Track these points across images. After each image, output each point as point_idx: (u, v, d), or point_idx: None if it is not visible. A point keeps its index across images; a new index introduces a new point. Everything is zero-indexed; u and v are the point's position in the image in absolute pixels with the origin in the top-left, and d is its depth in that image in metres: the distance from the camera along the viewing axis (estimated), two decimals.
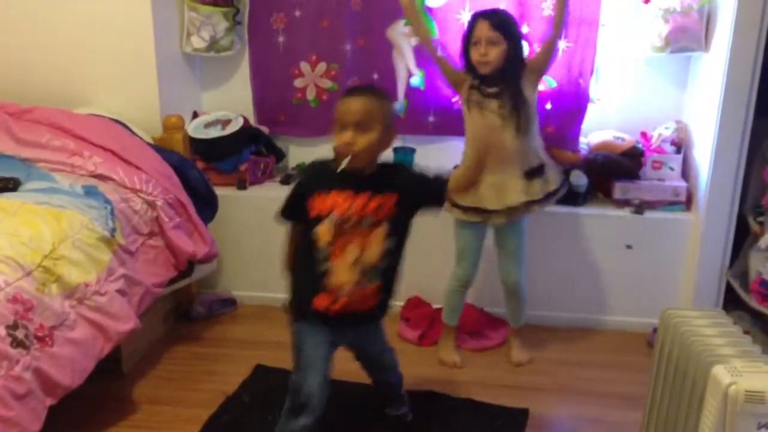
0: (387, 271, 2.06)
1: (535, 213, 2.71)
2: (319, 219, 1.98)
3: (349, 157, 1.95)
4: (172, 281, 2.81)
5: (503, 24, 2.59)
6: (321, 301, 2.02)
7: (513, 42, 2.59)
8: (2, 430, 1.82)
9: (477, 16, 2.62)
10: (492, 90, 2.61)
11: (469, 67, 2.65)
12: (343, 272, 1.99)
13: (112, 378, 2.66)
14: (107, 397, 2.59)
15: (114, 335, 2.34)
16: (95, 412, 2.50)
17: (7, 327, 1.93)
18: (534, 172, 2.68)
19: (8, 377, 1.87)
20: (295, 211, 2.09)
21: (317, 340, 2.05)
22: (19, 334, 1.95)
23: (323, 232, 1.97)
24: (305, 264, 2.04)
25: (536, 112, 2.71)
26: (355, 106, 1.96)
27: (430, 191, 2.12)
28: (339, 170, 1.96)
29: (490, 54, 2.55)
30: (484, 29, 2.56)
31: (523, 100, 2.62)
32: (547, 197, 2.71)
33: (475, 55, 2.59)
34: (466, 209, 2.69)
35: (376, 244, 1.99)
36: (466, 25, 2.69)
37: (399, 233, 2.05)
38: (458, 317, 2.88)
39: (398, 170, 2.11)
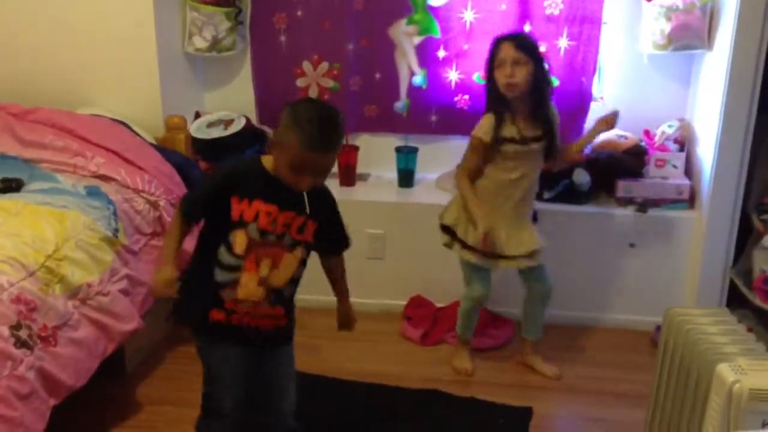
0: (289, 299, 1.95)
1: (535, 263, 2.66)
2: (239, 224, 1.81)
3: (310, 182, 1.81)
4: None
5: (527, 45, 2.50)
6: (217, 315, 1.88)
7: (538, 63, 2.49)
8: (6, 430, 1.82)
9: (499, 40, 2.51)
10: (536, 134, 2.55)
11: (492, 93, 2.53)
12: (250, 287, 1.84)
13: (115, 378, 2.66)
14: (111, 397, 2.59)
15: (117, 335, 2.35)
16: (99, 412, 2.50)
17: (11, 327, 1.93)
18: (534, 216, 2.74)
19: (12, 377, 1.87)
20: (209, 206, 1.86)
21: (225, 353, 1.91)
22: (23, 334, 1.95)
23: (240, 240, 1.82)
24: (205, 268, 1.86)
25: None
26: (325, 159, 1.81)
27: (341, 237, 2.00)
28: (280, 173, 1.81)
29: (517, 75, 2.45)
30: (508, 50, 2.45)
31: (558, 134, 2.60)
32: None
33: (501, 77, 2.47)
34: (479, 253, 2.61)
35: (289, 267, 1.88)
36: (486, 49, 2.57)
37: (305, 264, 1.93)
38: (473, 331, 2.85)
39: (326, 198, 1.96)
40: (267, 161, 1.87)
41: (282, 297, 1.92)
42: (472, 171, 2.61)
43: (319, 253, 2.02)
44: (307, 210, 1.86)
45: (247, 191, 1.81)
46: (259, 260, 1.84)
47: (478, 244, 2.57)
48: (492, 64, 2.51)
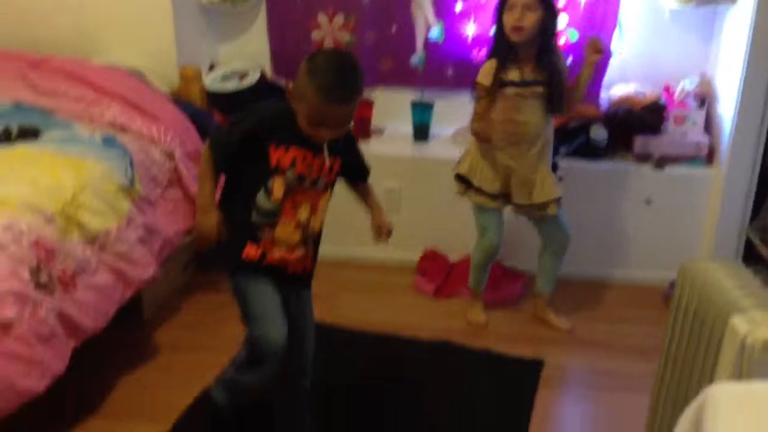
0: (316, 240, 1.97)
1: (554, 211, 2.65)
2: (276, 171, 1.81)
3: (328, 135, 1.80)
4: (191, 230, 2.83)
5: None
6: (252, 250, 1.87)
7: (549, 12, 2.45)
8: (27, 371, 1.86)
9: None
10: (537, 78, 2.51)
11: (499, 38, 2.51)
12: (287, 231, 1.86)
13: (133, 325, 2.71)
14: (129, 343, 2.64)
15: (135, 282, 2.38)
16: (118, 356, 2.55)
17: (31, 271, 1.96)
18: (554, 167, 2.69)
19: (33, 319, 1.91)
20: (243, 154, 1.83)
21: (265, 288, 1.88)
22: (43, 277, 1.98)
23: (278, 186, 1.82)
24: (242, 208, 1.85)
25: None
26: (345, 113, 1.79)
27: (364, 167, 2.02)
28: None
29: (525, 20, 2.41)
30: None
31: (564, 79, 2.55)
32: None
33: (509, 20, 2.44)
34: (492, 196, 2.63)
35: (323, 210, 1.91)
36: None
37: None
38: (485, 284, 2.87)
39: (349, 135, 1.95)
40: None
41: (316, 240, 1.95)
42: (481, 117, 2.58)
43: (348, 183, 2.03)
44: (333, 150, 1.86)
45: (284, 138, 1.81)
46: (297, 205, 1.85)
47: (494, 191, 2.58)
48: (502, 7, 2.48)
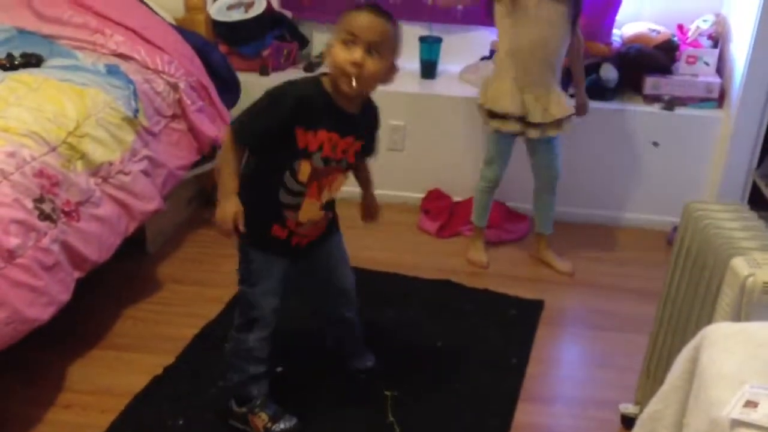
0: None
1: (568, 129, 2.66)
2: (303, 154, 1.79)
3: (354, 81, 1.73)
4: (195, 165, 2.83)
5: None
6: (280, 232, 1.89)
7: None
8: (32, 299, 1.89)
9: None
10: None
11: None
12: (312, 211, 1.89)
13: (137, 258, 2.73)
14: (133, 275, 2.67)
15: (138, 214, 2.38)
16: (122, 288, 2.58)
17: (35, 200, 1.96)
18: (565, 84, 2.65)
19: (36, 248, 1.92)
20: (269, 136, 1.79)
21: (274, 265, 1.92)
22: (46, 207, 1.99)
23: (305, 169, 1.81)
24: (269, 189, 1.84)
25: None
26: (374, 23, 1.73)
27: (373, 148, 1.99)
28: (337, 93, 1.78)
29: None
30: None
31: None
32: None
33: None
34: (507, 118, 2.60)
35: (340, 185, 1.92)
36: None
37: None
38: (487, 218, 2.87)
39: (376, 116, 1.94)
40: (326, 82, 1.80)
41: (333, 202, 1.97)
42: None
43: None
44: (360, 132, 1.86)
45: (312, 121, 1.77)
46: (322, 188, 1.86)
47: (513, 110, 2.57)
48: None
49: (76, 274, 2.10)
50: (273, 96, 1.77)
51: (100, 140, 2.28)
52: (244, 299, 1.94)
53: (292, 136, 1.77)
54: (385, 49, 1.75)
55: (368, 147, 1.96)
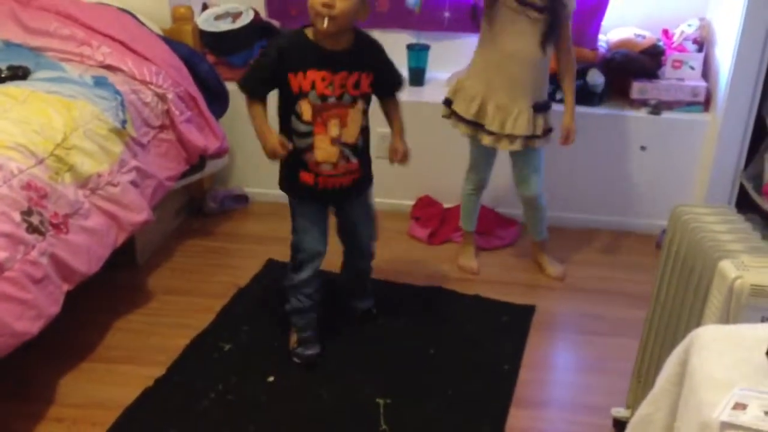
0: (363, 149, 2.19)
1: (534, 147, 2.61)
2: (300, 95, 2.04)
3: (326, 20, 1.95)
4: (184, 175, 2.82)
5: None
6: (307, 177, 2.14)
7: None
8: (21, 312, 1.87)
9: None
10: (537, 3, 2.43)
11: None
12: (325, 148, 2.09)
13: (127, 269, 2.72)
14: (123, 286, 2.66)
15: (127, 225, 2.38)
16: (112, 300, 2.57)
17: (22, 213, 1.95)
18: (540, 108, 2.58)
19: (25, 261, 1.91)
20: (270, 82, 2.08)
21: (310, 209, 2.20)
22: (34, 220, 1.98)
23: (306, 108, 2.05)
24: (287, 138, 2.09)
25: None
26: None
27: (393, 81, 2.21)
28: (319, 36, 2.01)
29: None
30: None
31: (566, 15, 2.50)
32: (545, 134, 2.62)
33: None
34: (467, 122, 2.60)
35: (354, 122, 2.10)
36: None
37: (368, 112, 2.17)
38: (475, 222, 2.87)
39: (374, 48, 2.14)
40: (309, 32, 2.05)
41: (356, 149, 2.15)
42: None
43: (380, 100, 2.24)
44: (356, 67, 2.05)
45: (299, 64, 2.02)
46: (327, 122, 2.07)
47: (469, 115, 2.58)
48: None
49: (65, 287, 2.09)
50: (263, 50, 2.12)
51: (88, 152, 2.27)
52: (293, 244, 2.24)
53: (286, 83, 2.04)
54: None
55: (383, 79, 2.15)
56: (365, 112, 2.14)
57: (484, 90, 2.55)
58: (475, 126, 2.60)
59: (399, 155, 2.25)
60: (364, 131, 2.17)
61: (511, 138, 2.57)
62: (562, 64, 2.60)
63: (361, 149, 2.18)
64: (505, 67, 2.52)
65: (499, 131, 2.56)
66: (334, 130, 2.08)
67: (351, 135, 2.12)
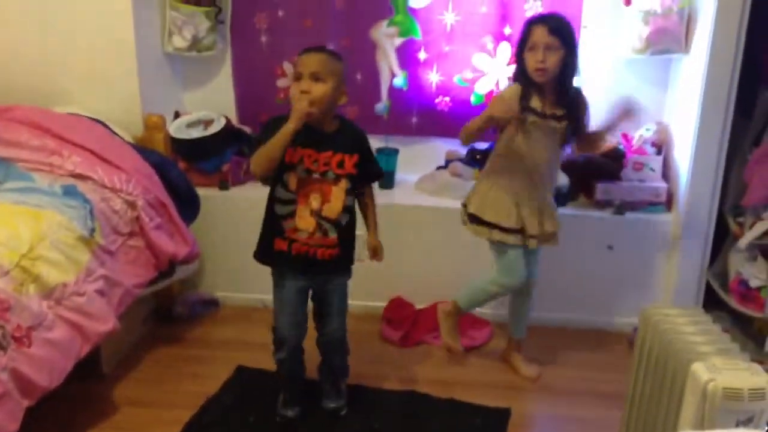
0: (345, 228, 2.27)
1: (557, 241, 2.71)
2: (289, 167, 2.20)
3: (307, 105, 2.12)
4: (153, 282, 2.79)
5: (561, 29, 2.45)
6: (281, 244, 2.25)
7: (570, 49, 2.46)
8: None
9: (533, 21, 2.48)
10: (556, 113, 2.52)
11: (522, 75, 2.51)
12: (304, 217, 2.22)
13: (92, 380, 2.64)
14: (87, 398, 2.56)
15: (93, 336, 2.32)
16: (75, 413, 2.47)
17: None
18: (556, 199, 2.74)
19: None
20: None
21: (288, 284, 2.29)
22: None
23: (292, 179, 2.21)
24: (269, 207, 2.26)
25: None
26: (312, 57, 2.17)
27: (373, 169, 2.37)
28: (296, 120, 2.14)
29: (548, 60, 2.41)
30: (541, 34, 2.42)
31: (588, 116, 2.60)
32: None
33: (531, 62, 2.44)
34: (509, 231, 2.60)
35: (337, 198, 2.23)
36: (520, 31, 2.54)
37: (354, 194, 2.29)
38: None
39: (358, 135, 2.31)
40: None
41: (338, 226, 2.25)
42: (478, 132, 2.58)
43: (357, 192, 2.34)
44: (340, 148, 2.22)
45: (294, 139, 2.14)
46: (308, 195, 2.22)
47: (511, 224, 2.58)
48: (523, 45, 2.48)
49: (26, 403, 2.01)
50: (263, 126, 2.24)
51: (54, 262, 2.24)
52: (273, 326, 2.35)
53: (282, 156, 2.18)
54: (326, 74, 2.16)
55: (363, 166, 2.28)
56: (350, 192, 2.26)
57: (515, 198, 2.59)
58: (516, 233, 2.61)
59: (378, 253, 2.40)
60: (348, 210, 2.27)
61: (551, 235, 2.67)
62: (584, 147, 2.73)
63: (343, 228, 2.27)
64: (532, 174, 2.58)
65: (537, 233, 2.62)
66: (314, 203, 2.22)
67: (333, 211, 2.24)
